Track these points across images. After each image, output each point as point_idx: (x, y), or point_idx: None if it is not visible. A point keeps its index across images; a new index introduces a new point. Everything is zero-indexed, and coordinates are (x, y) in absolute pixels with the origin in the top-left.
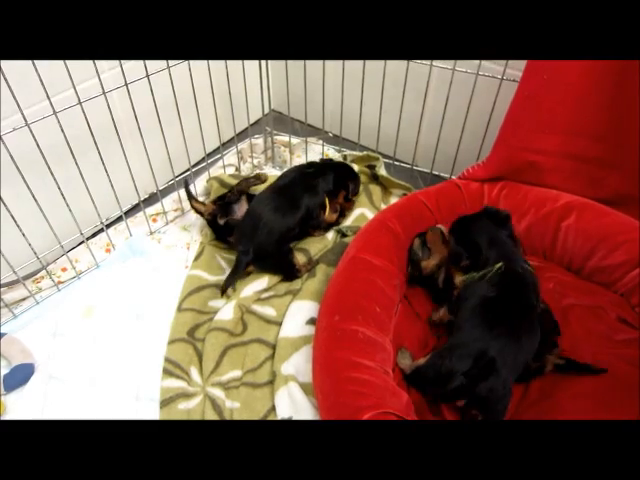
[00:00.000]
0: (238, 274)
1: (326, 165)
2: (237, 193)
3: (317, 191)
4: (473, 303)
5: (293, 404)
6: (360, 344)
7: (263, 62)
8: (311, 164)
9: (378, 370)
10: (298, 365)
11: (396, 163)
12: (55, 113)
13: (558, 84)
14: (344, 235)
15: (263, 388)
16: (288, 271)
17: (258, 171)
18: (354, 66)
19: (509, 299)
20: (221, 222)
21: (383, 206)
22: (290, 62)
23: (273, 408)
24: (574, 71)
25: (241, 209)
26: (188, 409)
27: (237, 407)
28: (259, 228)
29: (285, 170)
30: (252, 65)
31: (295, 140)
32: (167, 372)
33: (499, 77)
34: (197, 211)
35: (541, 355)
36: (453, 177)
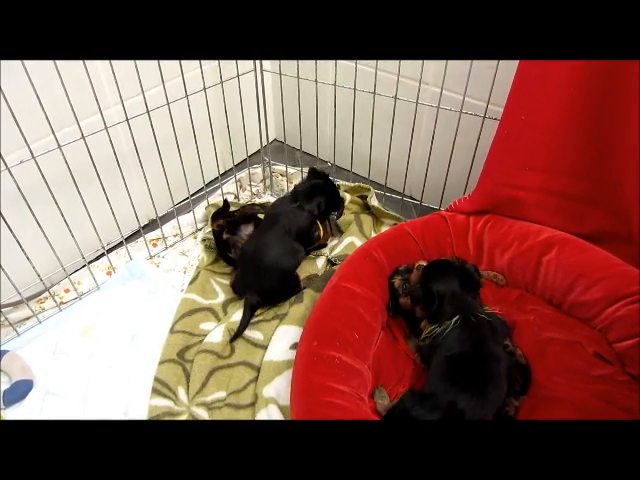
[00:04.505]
0: (249, 318)
1: (313, 187)
2: (243, 214)
3: (305, 216)
4: (439, 359)
5: None
6: (336, 370)
7: (260, 96)
8: (294, 194)
9: (353, 396)
10: (280, 388)
11: (387, 194)
12: (60, 147)
13: (536, 125)
14: (333, 264)
15: (246, 409)
16: (293, 293)
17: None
18: (349, 99)
19: (468, 352)
20: (225, 237)
21: (373, 235)
22: (287, 94)
23: None
24: (551, 112)
25: (247, 230)
26: None
27: None
28: (260, 272)
29: (274, 201)
30: (250, 99)
31: (292, 170)
32: (156, 391)
33: (481, 115)
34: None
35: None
36: (441, 209)
